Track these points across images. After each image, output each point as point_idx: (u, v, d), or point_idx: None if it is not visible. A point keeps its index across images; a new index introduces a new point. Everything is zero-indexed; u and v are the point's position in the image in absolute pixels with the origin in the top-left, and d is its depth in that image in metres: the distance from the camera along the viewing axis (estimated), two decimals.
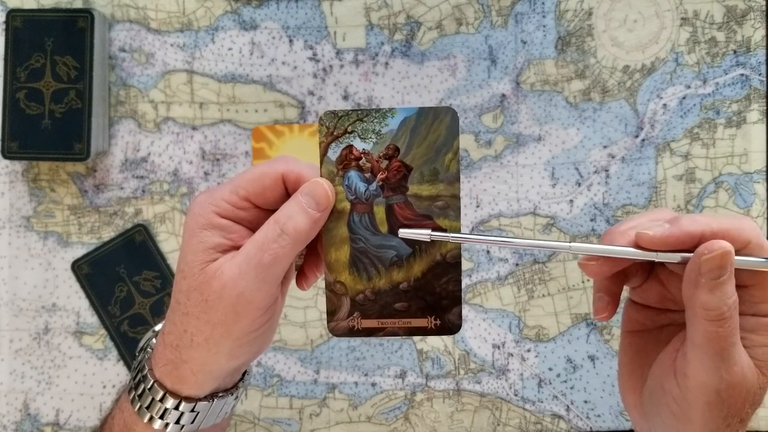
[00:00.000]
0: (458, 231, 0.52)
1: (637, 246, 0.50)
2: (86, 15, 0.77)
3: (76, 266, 0.81)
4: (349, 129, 0.52)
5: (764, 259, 0.49)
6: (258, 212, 0.53)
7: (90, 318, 0.81)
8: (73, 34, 0.77)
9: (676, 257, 0.49)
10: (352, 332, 0.53)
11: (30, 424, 0.81)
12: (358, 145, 0.52)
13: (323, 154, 0.52)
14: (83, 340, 0.81)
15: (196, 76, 0.81)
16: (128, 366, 0.80)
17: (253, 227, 0.53)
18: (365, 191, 0.52)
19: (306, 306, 0.81)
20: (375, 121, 0.52)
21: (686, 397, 0.50)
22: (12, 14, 0.77)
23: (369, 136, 0.52)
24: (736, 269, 0.49)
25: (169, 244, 0.81)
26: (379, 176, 0.52)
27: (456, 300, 0.53)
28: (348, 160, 0.52)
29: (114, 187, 0.81)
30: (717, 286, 0.48)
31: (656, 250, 0.49)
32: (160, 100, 0.81)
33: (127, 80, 0.81)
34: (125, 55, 0.81)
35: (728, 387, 0.49)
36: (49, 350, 0.81)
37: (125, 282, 0.81)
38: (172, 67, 0.81)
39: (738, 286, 0.49)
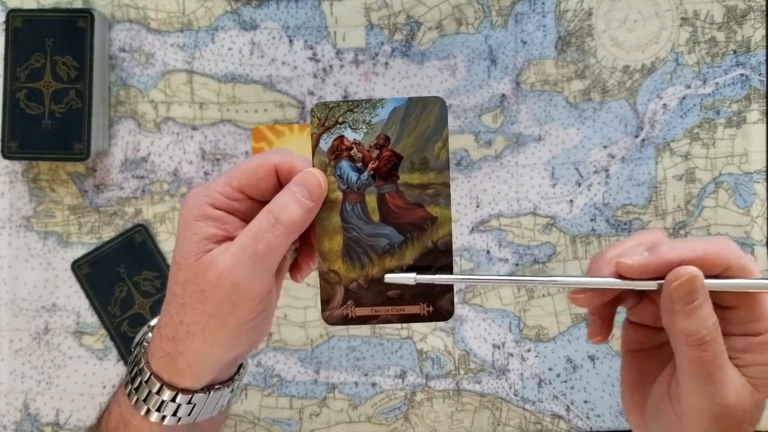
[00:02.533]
0: (448, 218, 0.53)
1: (618, 275, 0.50)
2: (86, 15, 0.77)
3: (76, 266, 0.81)
4: (340, 120, 0.53)
5: (736, 280, 0.49)
6: (252, 203, 0.54)
7: (90, 318, 0.81)
8: (73, 34, 0.77)
9: (653, 285, 0.50)
10: (346, 320, 0.54)
11: (30, 424, 0.81)
12: (349, 135, 0.53)
13: (315, 144, 0.53)
14: (83, 340, 0.81)
15: (196, 76, 0.81)
16: None
17: (246, 218, 0.53)
18: (357, 181, 0.53)
19: (306, 306, 0.81)
20: (365, 111, 0.52)
21: (683, 422, 0.50)
22: (12, 14, 0.77)
23: (360, 126, 0.53)
24: (722, 292, 0.49)
25: (169, 244, 0.81)
26: (370, 166, 0.53)
27: (448, 286, 0.53)
28: (339, 150, 0.53)
29: (114, 187, 0.81)
30: (692, 311, 0.48)
31: (636, 279, 0.50)
32: (160, 100, 0.81)
33: (127, 80, 0.81)
34: (125, 55, 0.81)
35: (724, 410, 0.49)
36: (49, 350, 0.81)
37: (125, 282, 0.81)
38: (172, 67, 0.81)
39: (725, 308, 0.50)
